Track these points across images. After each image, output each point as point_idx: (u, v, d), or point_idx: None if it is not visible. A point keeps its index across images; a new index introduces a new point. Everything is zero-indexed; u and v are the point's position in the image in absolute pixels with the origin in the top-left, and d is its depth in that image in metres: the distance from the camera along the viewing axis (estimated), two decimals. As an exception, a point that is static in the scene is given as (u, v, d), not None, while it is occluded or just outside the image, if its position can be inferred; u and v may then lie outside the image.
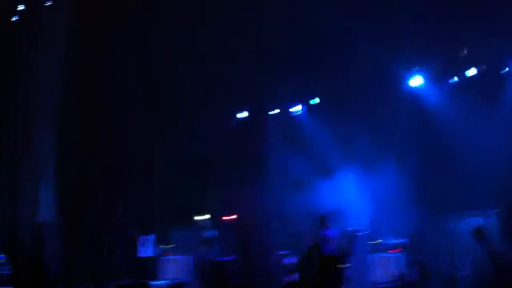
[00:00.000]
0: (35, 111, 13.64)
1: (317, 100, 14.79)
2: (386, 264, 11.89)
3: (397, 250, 12.05)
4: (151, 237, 13.34)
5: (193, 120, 14.64)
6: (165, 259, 13.11)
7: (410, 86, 13.22)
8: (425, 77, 13.12)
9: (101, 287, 5.88)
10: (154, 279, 12.46)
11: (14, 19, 13.45)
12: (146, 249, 13.18)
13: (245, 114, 15.66)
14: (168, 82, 14.27)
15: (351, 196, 12.40)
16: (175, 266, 12.79)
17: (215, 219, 13.21)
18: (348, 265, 12.53)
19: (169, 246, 13.67)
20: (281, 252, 13.12)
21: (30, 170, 13.57)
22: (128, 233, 13.30)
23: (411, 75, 13.19)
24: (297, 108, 15.24)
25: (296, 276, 11.41)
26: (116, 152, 14.29)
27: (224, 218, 13.75)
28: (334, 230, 12.48)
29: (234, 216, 13.72)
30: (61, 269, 11.96)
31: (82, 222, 13.33)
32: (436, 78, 13.10)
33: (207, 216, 13.34)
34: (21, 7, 13.46)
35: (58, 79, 13.67)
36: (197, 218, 13.10)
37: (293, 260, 12.51)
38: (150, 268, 12.80)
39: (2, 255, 12.21)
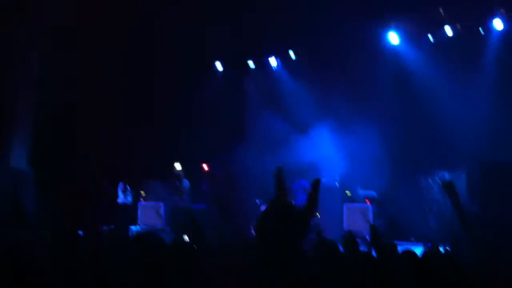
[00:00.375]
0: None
1: (292, 54, 14.79)
2: (354, 214, 12.21)
3: (367, 201, 12.39)
4: (127, 185, 13.43)
5: (170, 74, 14.54)
6: (144, 205, 13.25)
7: (388, 44, 13.29)
8: (401, 36, 13.22)
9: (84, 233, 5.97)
10: (135, 224, 12.63)
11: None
12: (125, 196, 13.29)
13: (219, 65, 15.62)
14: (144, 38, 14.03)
15: (325, 152, 12.61)
16: (151, 212, 12.93)
17: (188, 168, 13.30)
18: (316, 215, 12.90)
19: (143, 193, 13.79)
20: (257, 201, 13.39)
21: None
22: (105, 181, 13.33)
23: (389, 31, 13.26)
24: (273, 61, 15.25)
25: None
26: (92, 103, 14.20)
27: (201, 167, 13.86)
28: (305, 181, 12.79)
29: (209, 166, 13.87)
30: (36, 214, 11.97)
31: (57, 171, 13.29)
32: (413, 35, 13.20)
33: (180, 165, 13.40)
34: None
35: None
36: (173, 167, 13.16)
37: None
38: (129, 214, 12.94)
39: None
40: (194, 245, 5.34)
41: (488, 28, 12.15)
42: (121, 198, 13.23)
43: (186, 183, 12.87)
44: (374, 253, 5.10)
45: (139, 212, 13.17)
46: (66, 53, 13.63)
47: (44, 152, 13.65)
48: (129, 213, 12.97)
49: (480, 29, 12.24)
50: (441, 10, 12.59)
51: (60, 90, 13.90)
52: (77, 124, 14.20)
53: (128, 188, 13.33)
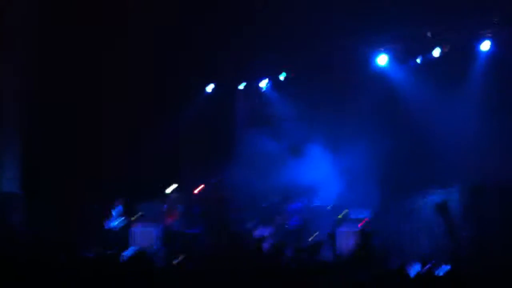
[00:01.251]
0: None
1: (284, 75, 14.93)
2: (349, 237, 12.18)
3: (360, 224, 12.38)
4: (119, 208, 13.35)
5: (163, 95, 14.59)
6: (134, 230, 13.14)
7: (377, 65, 13.46)
8: (390, 57, 13.40)
9: (70, 258, 5.95)
10: (125, 249, 12.48)
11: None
12: (115, 219, 13.21)
13: (211, 86, 15.70)
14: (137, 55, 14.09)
15: (317, 172, 12.66)
16: (144, 236, 12.84)
17: (183, 192, 13.28)
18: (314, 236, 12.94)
19: (135, 217, 13.70)
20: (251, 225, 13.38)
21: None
22: (96, 204, 13.25)
23: (377, 54, 13.44)
24: (264, 83, 15.38)
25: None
26: (84, 125, 14.21)
27: (194, 191, 13.85)
28: (299, 204, 12.84)
29: (201, 190, 13.85)
30: (28, 239, 11.85)
31: (48, 194, 13.22)
32: (401, 57, 13.38)
33: (175, 189, 13.38)
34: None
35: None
36: (166, 190, 13.13)
37: (263, 231, 12.84)
38: (120, 238, 12.82)
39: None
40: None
41: (475, 49, 12.33)
42: (113, 222, 13.15)
43: (180, 207, 12.82)
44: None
45: (130, 237, 13.05)
46: (54, 73, 13.60)
47: (35, 176, 13.59)
48: (120, 238, 12.85)
49: (468, 49, 12.41)
50: (429, 34, 12.79)
51: (49, 112, 13.86)
52: (68, 147, 14.14)
53: (120, 211, 13.28)
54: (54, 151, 13.79)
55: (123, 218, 13.28)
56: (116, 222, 13.22)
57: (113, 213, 13.29)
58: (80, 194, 13.40)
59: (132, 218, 13.47)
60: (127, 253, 12.37)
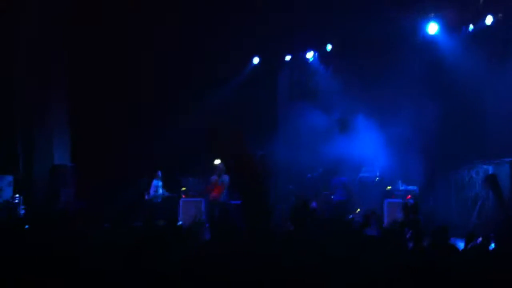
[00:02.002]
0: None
1: (329, 47, 14.72)
2: (395, 209, 12.04)
3: (408, 197, 12.22)
4: (158, 181, 13.75)
5: (208, 67, 14.64)
6: (185, 200, 13.42)
7: (427, 34, 13.09)
8: (440, 25, 13.00)
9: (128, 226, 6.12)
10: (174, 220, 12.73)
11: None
12: (154, 191, 13.54)
13: (257, 60, 15.65)
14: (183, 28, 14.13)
15: (364, 144, 12.52)
16: (192, 208, 13.07)
17: (227, 164, 13.34)
18: (358, 210, 12.84)
19: (183, 189, 13.94)
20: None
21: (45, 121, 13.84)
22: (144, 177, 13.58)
23: (427, 22, 13.06)
24: (310, 54, 15.22)
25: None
26: (129, 100, 14.42)
27: (239, 163, 13.90)
28: (344, 178, 12.74)
29: (246, 162, 13.88)
30: (78, 210, 12.21)
31: (98, 166, 13.56)
32: (452, 26, 12.97)
33: (219, 161, 13.47)
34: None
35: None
36: (214, 162, 13.23)
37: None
38: (166, 209, 13.14)
39: (18, 196, 12.50)
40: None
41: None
42: (152, 194, 13.55)
43: (226, 178, 12.87)
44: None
45: (180, 208, 13.32)
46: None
47: (86, 149, 13.96)
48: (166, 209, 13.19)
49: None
50: (481, 0, 12.33)
51: (96, 90, 14.13)
52: (115, 120, 14.42)
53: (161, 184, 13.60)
54: (102, 127, 14.10)
55: (162, 190, 13.68)
56: (156, 194, 13.57)
57: (153, 185, 13.60)
58: (128, 168, 13.68)
59: (183, 189, 13.78)
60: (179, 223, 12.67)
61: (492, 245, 6.33)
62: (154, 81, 14.44)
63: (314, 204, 12.17)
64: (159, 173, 13.78)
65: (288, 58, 15.54)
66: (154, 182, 13.75)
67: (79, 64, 13.79)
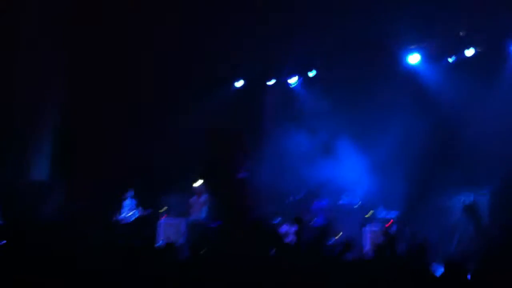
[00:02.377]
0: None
1: (314, 72, 14.88)
2: (377, 237, 12.07)
3: (389, 223, 12.26)
4: (130, 200, 13.40)
5: (190, 91, 14.69)
6: (162, 222, 13.26)
7: (409, 64, 13.32)
8: (422, 56, 13.25)
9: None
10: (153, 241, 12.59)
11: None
12: (127, 211, 13.31)
13: (241, 83, 15.75)
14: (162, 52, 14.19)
15: (345, 169, 12.59)
16: (172, 229, 12.95)
17: (210, 186, 13.32)
18: (337, 236, 12.84)
19: (162, 210, 13.82)
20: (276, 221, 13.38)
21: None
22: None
23: (409, 52, 13.30)
24: (294, 80, 15.37)
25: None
26: (110, 116, 14.39)
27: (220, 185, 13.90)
28: (325, 202, 12.78)
29: (228, 184, 13.89)
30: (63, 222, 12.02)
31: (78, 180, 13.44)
32: (433, 57, 13.23)
33: (201, 182, 13.44)
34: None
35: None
36: (194, 184, 13.20)
37: (287, 228, 12.80)
38: (148, 230, 12.95)
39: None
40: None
41: (509, 49, 12.12)
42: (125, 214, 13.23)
43: (205, 200, 12.85)
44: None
45: (160, 229, 13.16)
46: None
47: (65, 163, 13.83)
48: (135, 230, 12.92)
49: (502, 49, 12.21)
50: (461, 33, 12.62)
51: (78, 100, 14.06)
52: (94, 136, 14.33)
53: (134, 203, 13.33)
54: (81, 141, 14.00)
55: (134, 210, 13.30)
56: (128, 214, 13.24)
57: (125, 204, 13.27)
58: (107, 185, 13.56)
59: (161, 211, 13.59)
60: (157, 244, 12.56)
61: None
62: (133, 96, 14.43)
63: (285, 227, 12.21)
64: (131, 193, 13.38)
65: (271, 82, 15.67)
66: (126, 202, 13.33)
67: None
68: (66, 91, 14.07)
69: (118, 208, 13.26)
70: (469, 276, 6.10)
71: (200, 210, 13.07)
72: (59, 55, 13.92)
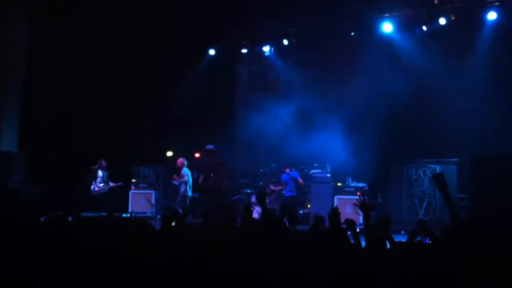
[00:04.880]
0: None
1: (286, 42, 14.73)
2: (345, 206, 12.11)
3: (358, 194, 12.32)
4: (102, 171, 13.18)
5: (162, 57, 14.44)
6: (135, 192, 13.19)
7: (382, 32, 13.23)
8: (396, 24, 13.15)
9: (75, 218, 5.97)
10: (125, 212, 12.53)
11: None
12: (99, 182, 13.10)
13: (213, 52, 15.53)
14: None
15: (318, 140, 12.55)
16: (142, 200, 12.89)
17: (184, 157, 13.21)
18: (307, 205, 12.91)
19: (133, 181, 13.74)
20: (248, 191, 13.39)
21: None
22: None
23: (382, 21, 13.19)
24: (267, 49, 15.20)
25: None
26: (80, 85, 14.17)
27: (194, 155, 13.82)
28: (295, 173, 12.77)
29: (201, 155, 13.79)
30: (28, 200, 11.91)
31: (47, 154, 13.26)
32: (406, 25, 13.14)
33: (171, 154, 13.35)
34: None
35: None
36: (167, 154, 13.10)
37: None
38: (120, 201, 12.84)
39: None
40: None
41: (482, 19, 12.08)
42: (99, 186, 13.02)
43: (185, 171, 12.68)
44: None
45: (130, 200, 13.08)
46: (55, 29, 13.48)
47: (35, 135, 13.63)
48: (109, 201, 12.75)
49: (475, 18, 12.17)
50: (436, 1, 12.54)
51: (49, 70, 13.81)
52: (67, 106, 14.13)
53: (106, 175, 13.14)
54: (54, 113, 13.79)
55: (106, 181, 13.10)
56: (100, 185, 13.05)
57: (98, 175, 13.05)
58: (79, 157, 13.40)
59: (133, 181, 13.51)
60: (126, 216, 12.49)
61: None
62: (108, 70, 14.21)
63: (253, 198, 12.23)
64: (103, 162, 13.14)
65: (244, 51, 15.47)
66: (99, 172, 13.12)
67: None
68: (32, 63, 13.76)
69: (93, 179, 13.06)
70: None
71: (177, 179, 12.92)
72: (23, 28, 13.59)
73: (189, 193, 12.30)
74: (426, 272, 3.82)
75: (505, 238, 4.56)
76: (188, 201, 12.29)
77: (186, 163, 12.43)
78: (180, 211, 11.36)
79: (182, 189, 12.21)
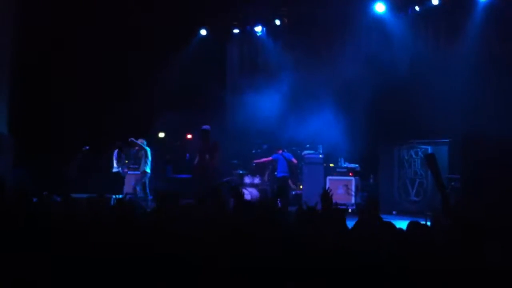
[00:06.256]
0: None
1: (278, 22, 14.64)
2: (337, 187, 12.17)
3: (350, 174, 12.39)
4: (116, 153, 13.12)
5: (153, 38, 14.31)
6: (129, 173, 13.12)
7: (375, 13, 13.16)
8: (388, 4, 13.10)
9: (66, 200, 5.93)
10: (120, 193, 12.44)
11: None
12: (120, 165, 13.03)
13: (204, 32, 15.42)
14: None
15: (310, 122, 12.55)
16: (132, 181, 12.80)
17: (172, 139, 13.19)
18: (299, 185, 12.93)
19: (126, 162, 13.67)
20: (240, 172, 13.38)
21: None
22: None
23: (374, 2, 13.13)
24: (259, 29, 15.11)
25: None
26: (69, 69, 14.05)
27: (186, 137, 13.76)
28: (287, 153, 12.77)
29: (193, 137, 13.76)
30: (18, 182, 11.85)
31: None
32: (399, 5, 13.09)
33: (163, 135, 13.29)
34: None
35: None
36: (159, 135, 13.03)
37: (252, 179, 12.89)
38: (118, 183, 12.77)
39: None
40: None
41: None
42: (114, 167, 12.94)
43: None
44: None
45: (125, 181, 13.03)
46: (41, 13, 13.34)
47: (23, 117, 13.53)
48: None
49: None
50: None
51: (37, 52, 13.67)
52: (57, 87, 14.03)
53: (123, 156, 13.07)
54: (45, 94, 13.68)
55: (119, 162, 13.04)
56: (118, 167, 12.99)
57: (117, 158, 12.98)
58: (71, 139, 13.34)
59: (126, 162, 13.42)
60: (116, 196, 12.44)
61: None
62: (99, 50, 14.07)
63: (247, 179, 12.22)
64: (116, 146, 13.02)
65: (236, 31, 15.38)
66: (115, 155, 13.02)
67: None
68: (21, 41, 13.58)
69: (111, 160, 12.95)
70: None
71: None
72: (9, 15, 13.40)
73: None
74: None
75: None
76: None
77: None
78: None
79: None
